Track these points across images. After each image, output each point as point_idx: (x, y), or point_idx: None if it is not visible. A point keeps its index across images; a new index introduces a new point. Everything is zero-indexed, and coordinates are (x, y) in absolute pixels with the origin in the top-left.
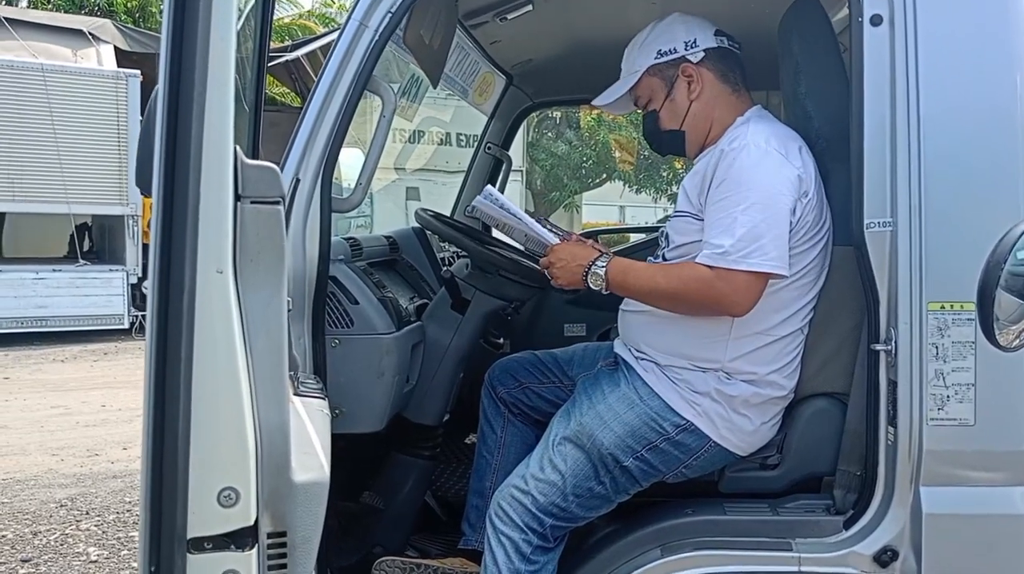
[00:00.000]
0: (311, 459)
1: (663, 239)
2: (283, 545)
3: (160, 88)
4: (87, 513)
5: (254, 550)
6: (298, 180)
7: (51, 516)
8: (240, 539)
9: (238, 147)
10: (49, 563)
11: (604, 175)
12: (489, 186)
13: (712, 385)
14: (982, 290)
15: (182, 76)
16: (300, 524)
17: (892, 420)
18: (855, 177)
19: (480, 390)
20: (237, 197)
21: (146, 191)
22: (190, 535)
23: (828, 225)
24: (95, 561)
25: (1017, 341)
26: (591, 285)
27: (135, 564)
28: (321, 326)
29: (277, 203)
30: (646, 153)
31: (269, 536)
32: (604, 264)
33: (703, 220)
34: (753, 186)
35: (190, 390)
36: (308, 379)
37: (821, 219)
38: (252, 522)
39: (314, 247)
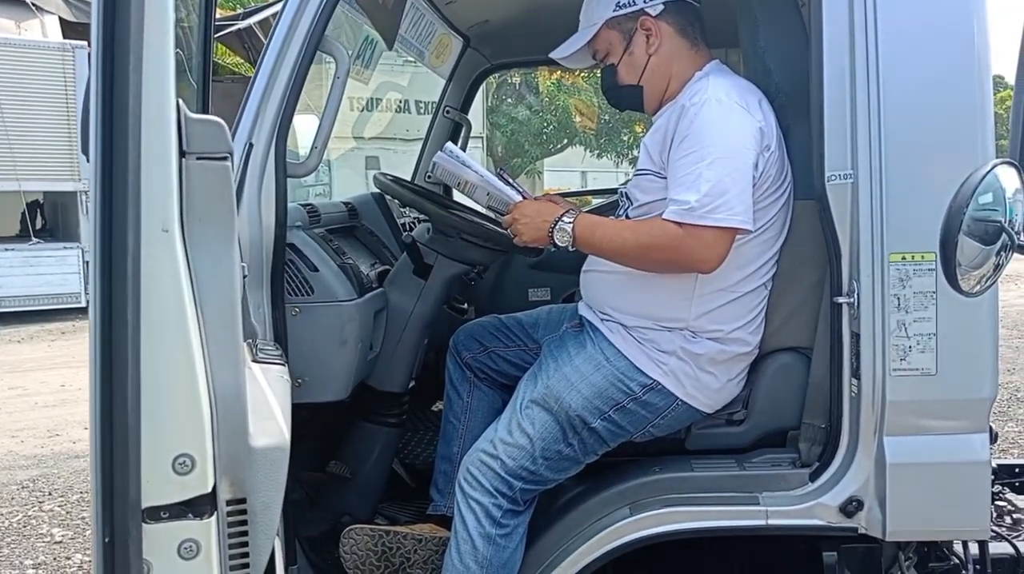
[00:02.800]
0: (270, 424)
1: (624, 199)
2: (243, 512)
3: (93, 38)
4: (49, 494)
5: (213, 518)
6: (251, 145)
7: (12, 498)
8: (198, 507)
9: (181, 101)
10: (12, 545)
11: (565, 140)
12: (450, 143)
13: (678, 344)
14: (944, 236)
15: (116, 24)
16: (260, 490)
17: (856, 372)
18: (815, 130)
19: (445, 356)
20: (182, 153)
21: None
22: (145, 504)
23: (789, 179)
24: (59, 541)
25: (978, 286)
26: (557, 242)
27: None
28: (280, 294)
29: (225, 159)
30: (607, 117)
31: (228, 503)
32: (571, 220)
33: (666, 178)
34: (716, 140)
35: (139, 353)
36: (267, 346)
37: (783, 173)
38: (210, 489)
39: (270, 213)
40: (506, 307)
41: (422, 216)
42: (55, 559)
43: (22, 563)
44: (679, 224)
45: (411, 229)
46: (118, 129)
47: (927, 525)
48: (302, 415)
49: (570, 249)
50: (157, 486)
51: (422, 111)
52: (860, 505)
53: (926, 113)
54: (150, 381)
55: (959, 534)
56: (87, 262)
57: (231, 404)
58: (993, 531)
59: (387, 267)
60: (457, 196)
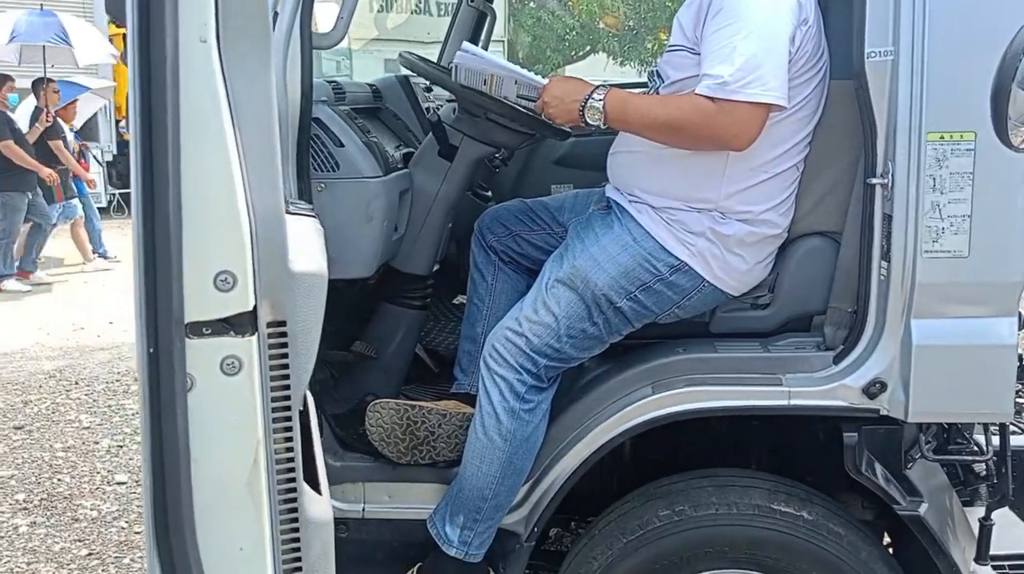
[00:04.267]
0: (309, 254)
1: (655, 78)
2: (284, 334)
3: None
4: (76, 383)
5: (254, 337)
6: (276, 13)
7: (41, 386)
8: (239, 325)
9: None
10: (42, 430)
11: (588, 47)
12: (466, 42)
13: (707, 225)
14: (997, 86)
15: None
16: (301, 314)
17: (886, 254)
18: (857, 5)
19: (467, 245)
20: None
21: (118, 15)
22: (188, 319)
23: (826, 56)
24: (87, 427)
25: (1023, 143)
26: (589, 120)
27: (128, 429)
28: (306, 168)
29: None
30: (631, 23)
31: (269, 325)
32: (601, 97)
33: (699, 53)
34: (752, 13)
35: (179, 165)
36: (299, 202)
37: (819, 49)
38: (251, 307)
39: (295, 85)
40: None
41: (448, 97)
42: (83, 443)
43: (52, 446)
44: (711, 99)
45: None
46: None
47: (950, 407)
48: (328, 295)
49: (602, 126)
50: (199, 302)
51: (443, 13)
52: (884, 387)
53: None
54: (191, 195)
55: (982, 416)
56: (107, 162)
57: (271, 225)
58: (1015, 425)
59: (411, 149)
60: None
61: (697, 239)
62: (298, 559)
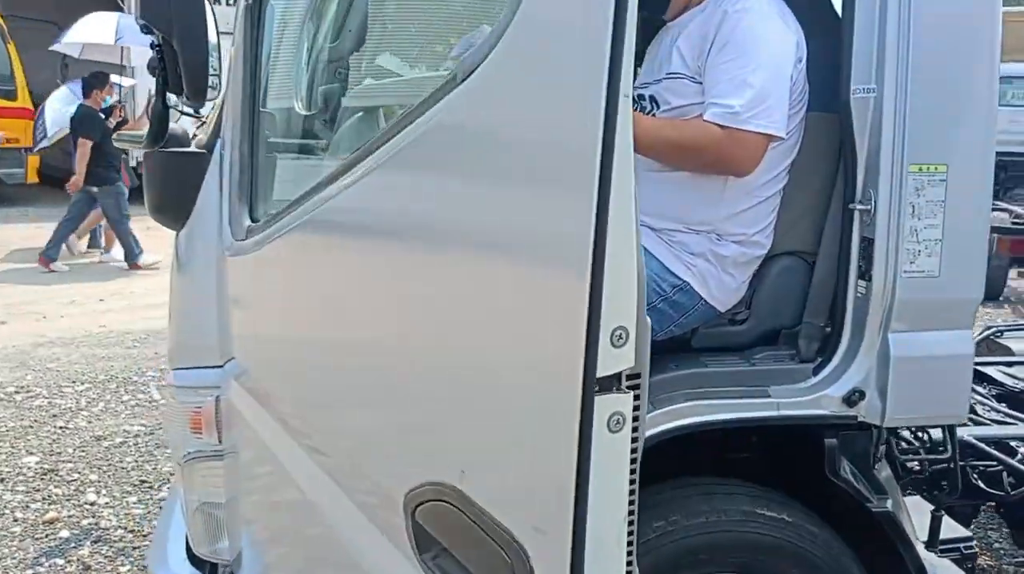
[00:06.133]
0: None
1: (647, 102)
2: (638, 386)
3: None
4: None
5: (631, 393)
6: None
7: None
8: (618, 381)
9: None
10: None
11: None
12: None
13: (706, 246)
14: None
15: None
16: (645, 365)
17: (865, 274)
18: (845, 43)
19: None
20: None
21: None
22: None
23: (807, 91)
24: None
25: None
26: None
27: None
28: None
29: None
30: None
31: (628, 378)
32: None
33: (700, 83)
34: (760, 48)
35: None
36: None
37: (805, 84)
38: (634, 362)
39: None
40: None
41: None
42: None
43: None
44: (721, 127)
45: None
46: None
47: (919, 412)
48: None
49: None
50: (600, 358)
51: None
52: (862, 395)
53: (947, 41)
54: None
55: (945, 419)
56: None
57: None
58: None
59: None
60: None
61: (697, 260)
62: None
